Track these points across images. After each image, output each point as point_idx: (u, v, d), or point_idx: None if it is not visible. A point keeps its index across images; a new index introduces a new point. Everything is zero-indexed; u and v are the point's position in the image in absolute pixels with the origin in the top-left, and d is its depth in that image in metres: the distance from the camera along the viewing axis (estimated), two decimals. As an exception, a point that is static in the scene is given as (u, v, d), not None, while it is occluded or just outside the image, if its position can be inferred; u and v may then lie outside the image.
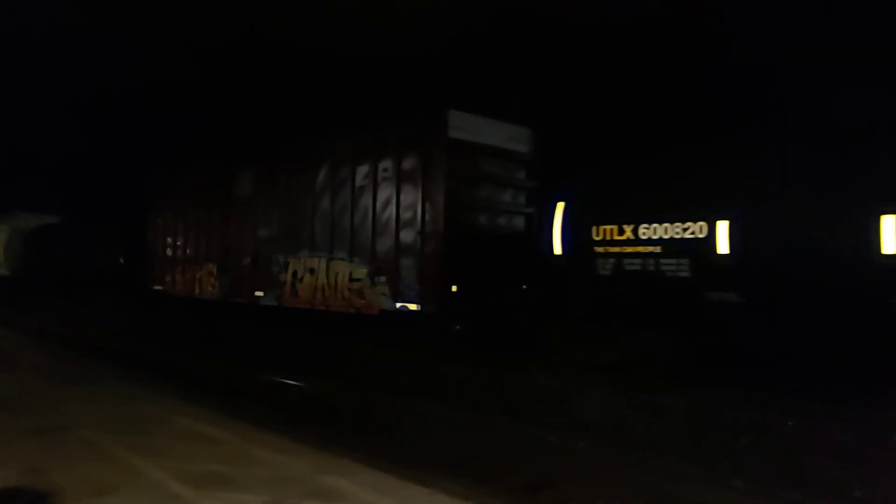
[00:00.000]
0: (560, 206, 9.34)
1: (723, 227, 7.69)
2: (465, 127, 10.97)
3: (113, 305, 19.54)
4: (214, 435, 6.38)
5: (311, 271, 12.91)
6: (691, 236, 7.97)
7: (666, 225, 8.18)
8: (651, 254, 8.35)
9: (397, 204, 11.20)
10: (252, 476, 5.16)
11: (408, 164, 11.15)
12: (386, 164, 11.50)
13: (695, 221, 7.93)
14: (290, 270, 13.45)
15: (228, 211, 15.73)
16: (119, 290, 20.54)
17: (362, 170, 11.94)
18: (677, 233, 8.10)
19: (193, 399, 8.17)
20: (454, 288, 10.39)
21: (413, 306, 10.73)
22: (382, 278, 11.35)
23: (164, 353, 13.54)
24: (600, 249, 8.90)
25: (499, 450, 6.94)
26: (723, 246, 7.69)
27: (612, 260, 8.81)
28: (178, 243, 17.76)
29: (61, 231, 26.82)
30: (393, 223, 11.26)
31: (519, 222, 11.80)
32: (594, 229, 8.93)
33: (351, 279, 11.99)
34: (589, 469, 6.34)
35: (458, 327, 10.73)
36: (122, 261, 21.10)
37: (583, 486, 6.00)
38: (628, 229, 8.57)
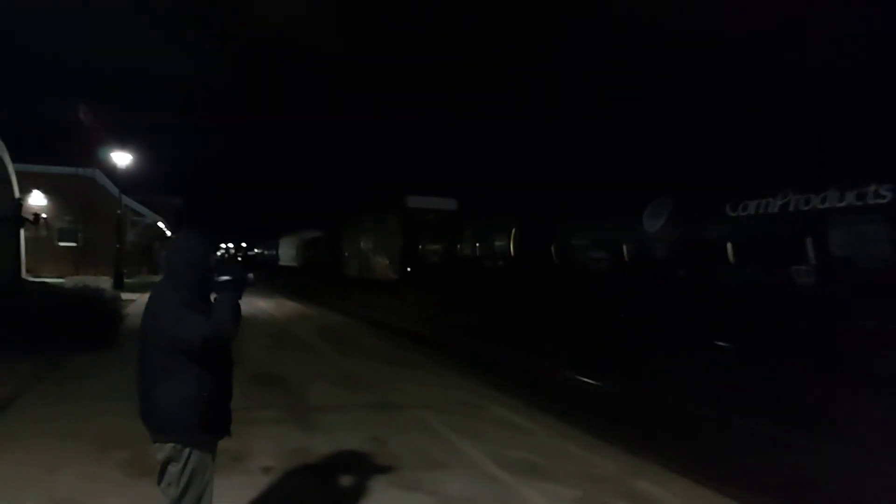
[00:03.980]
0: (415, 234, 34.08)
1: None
2: (417, 202, 40.74)
3: (402, 296, 29.49)
4: (525, 425, 6.69)
5: (378, 262, 39.75)
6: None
7: (437, 244, 30.85)
8: (436, 255, 30.46)
9: (391, 235, 37.24)
10: (563, 469, 5.28)
11: (395, 218, 37.42)
12: (391, 219, 37.72)
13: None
14: (373, 260, 40.45)
15: (359, 234, 43.31)
16: (334, 275, 46.69)
17: (382, 219, 39.59)
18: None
19: (502, 388, 8.67)
20: (409, 269, 33.24)
21: (395, 276, 35.77)
22: (389, 264, 37.27)
23: (461, 340, 15.02)
24: (427, 253, 31.75)
25: (831, 476, 6.12)
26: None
27: (429, 257, 31.38)
28: (349, 249, 45.81)
29: (320, 241, 57.48)
30: (390, 242, 37.41)
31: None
32: (422, 245, 32.30)
33: (383, 266, 38.41)
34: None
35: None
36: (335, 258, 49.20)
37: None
38: (434, 246, 30.70)
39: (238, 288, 3.06)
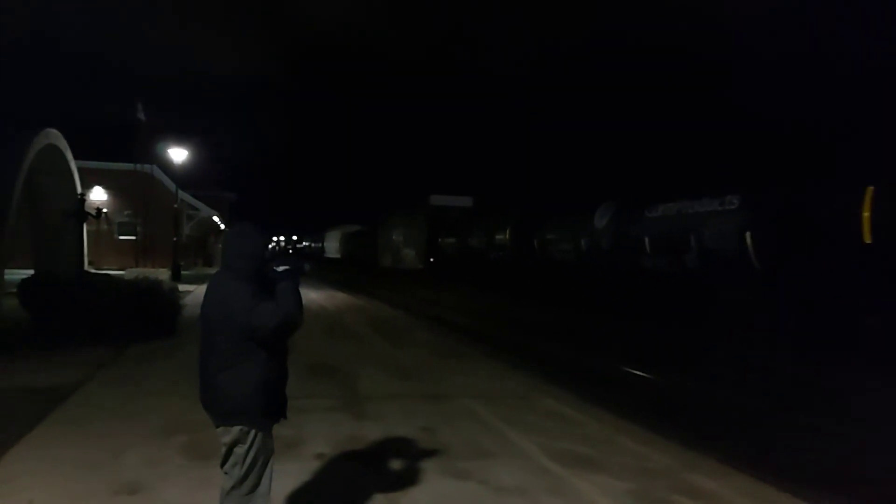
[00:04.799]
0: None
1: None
2: (440, 200, 47.72)
3: (436, 286, 31.53)
4: (576, 418, 6.62)
5: (406, 253, 49.16)
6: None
7: (454, 238, 36.92)
8: (452, 247, 37.22)
9: (418, 230, 46.40)
10: (616, 462, 5.22)
11: (420, 215, 46.66)
12: (417, 216, 47.23)
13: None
14: (403, 252, 50.05)
15: (391, 230, 53.44)
16: (372, 265, 54.99)
17: (406, 217, 49.93)
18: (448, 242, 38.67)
19: (553, 380, 8.60)
20: (431, 259, 42.22)
21: (421, 266, 44.47)
22: (416, 255, 46.56)
23: (509, 332, 14.80)
24: (446, 245, 38.81)
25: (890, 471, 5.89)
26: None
27: (447, 249, 38.48)
28: (383, 242, 55.56)
29: (360, 234, 65.45)
30: (416, 236, 46.46)
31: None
32: (441, 239, 40.09)
33: (411, 257, 47.61)
34: None
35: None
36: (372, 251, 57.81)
37: None
38: (451, 240, 37.71)
39: (296, 277, 3.13)
